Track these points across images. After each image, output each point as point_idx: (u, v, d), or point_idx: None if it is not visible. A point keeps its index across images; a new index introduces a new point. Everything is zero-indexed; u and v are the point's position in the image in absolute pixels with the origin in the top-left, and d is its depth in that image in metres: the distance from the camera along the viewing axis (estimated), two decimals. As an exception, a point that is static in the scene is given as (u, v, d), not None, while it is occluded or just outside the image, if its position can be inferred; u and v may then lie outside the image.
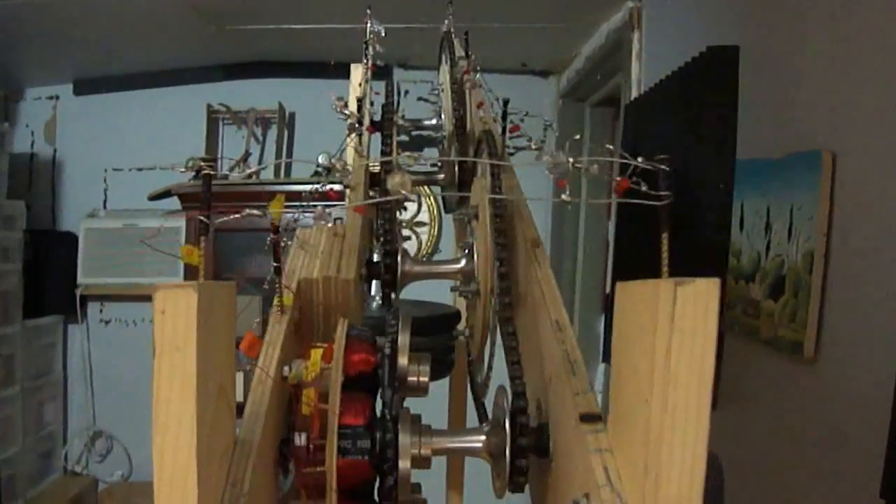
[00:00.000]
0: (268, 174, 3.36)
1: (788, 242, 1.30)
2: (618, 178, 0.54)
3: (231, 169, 3.22)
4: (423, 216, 3.22)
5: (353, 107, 1.32)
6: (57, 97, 3.41)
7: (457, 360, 1.01)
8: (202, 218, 0.46)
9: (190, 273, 2.84)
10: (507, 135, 0.85)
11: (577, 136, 0.53)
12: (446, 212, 1.06)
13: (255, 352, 0.56)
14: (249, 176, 3.23)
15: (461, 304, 0.99)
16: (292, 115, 3.44)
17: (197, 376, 0.35)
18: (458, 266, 0.80)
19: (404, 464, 0.47)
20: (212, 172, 0.49)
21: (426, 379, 0.52)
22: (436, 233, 3.20)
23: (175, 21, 2.53)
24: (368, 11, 1.11)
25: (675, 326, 0.39)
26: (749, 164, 1.50)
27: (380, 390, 0.50)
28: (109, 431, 3.41)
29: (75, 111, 3.41)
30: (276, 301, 0.55)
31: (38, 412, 3.20)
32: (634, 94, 2.41)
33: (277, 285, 0.54)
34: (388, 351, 0.51)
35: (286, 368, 0.50)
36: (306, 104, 3.39)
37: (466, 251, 0.81)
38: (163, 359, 0.35)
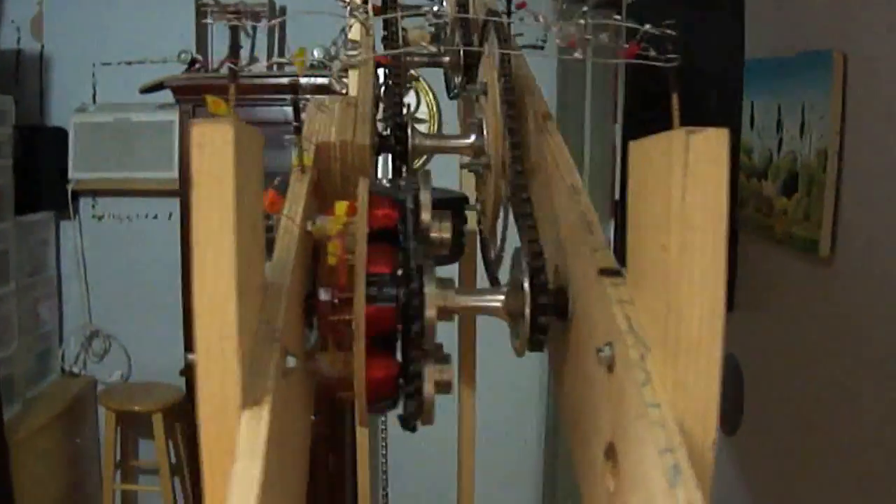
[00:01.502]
0: (260, 68, 3.30)
1: (801, 140, 1.30)
2: (625, 45, 0.54)
3: (220, 65, 3.15)
4: (422, 113, 3.18)
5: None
6: (43, -8, 3.30)
7: (466, 243, 1.02)
8: (231, 65, 0.46)
9: (185, 165, 2.82)
10: (514, 8, 0.84)
11: (585, 8, 0.52)
12: (450, 96, 1.05)
13: (277, 208, 0.57)
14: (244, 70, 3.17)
15: (468, 185, 0.99)
16: (283, 9, 3.35)
17: (235, 207, 0.36)
18: (469, 141, 0.80)
19: (430, 312, 0.48)
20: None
21: (448, 235, 0.53)
22: (434, 129, 3.17)
23: None
24: None
25: (689, 171, 0.40)
26: (759, 63, 1.48)
27: (403, 242, 0.51)
28: (107, 331, 3.45)
29: (61, 5, 3.30)
30: (295, 159, 0.56)
31: (33, 311, 3.22)
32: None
33: (297, 144, 0.54)
34: (410, 206, 0.51)
35: (310, 222, 0.51)
36: (297, -2, 3.30)
37: (475, 127, 0.81)
38: (201, 189, 0.36)
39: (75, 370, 3.42)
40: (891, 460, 1.05)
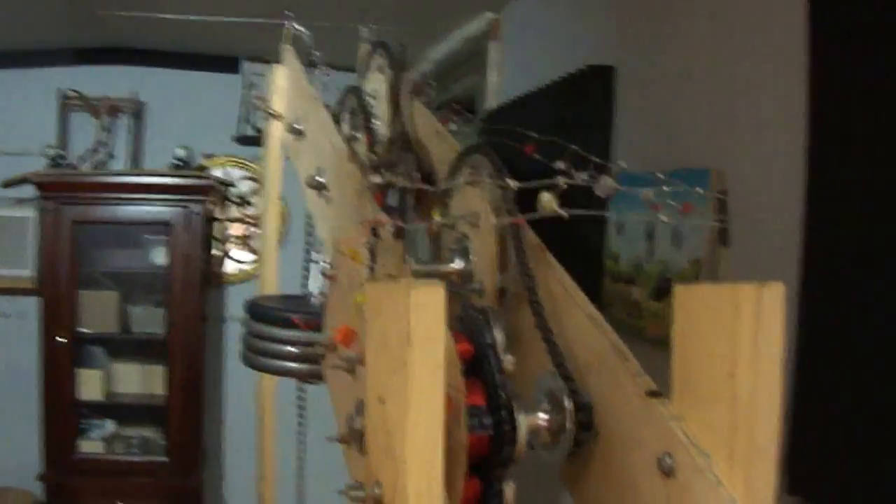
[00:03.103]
0: (118, 165, 3.22)
1: (673, 249, 1.50)
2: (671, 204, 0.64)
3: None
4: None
5: (277, 106, 1.36)
6: None
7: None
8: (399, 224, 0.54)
9: (46, 264, 2.67)
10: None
11: (623, 164, 0.65)
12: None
13: (349, 343, 0.63)
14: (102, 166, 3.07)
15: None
16: (143, 105, 3.31)
17: (444, 365, 0.44)
18: (457, 267, 0.89)
19: (522, 438, 0.56)
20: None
21: (512, 366, 0.62)
22: (286, 229, 3.21)
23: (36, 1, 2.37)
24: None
25: (761, 317, 0.52)
26: (631, 177, 1.69)
27: (489, 375, 0.59)
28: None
29: None
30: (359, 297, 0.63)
31: None
32: (492, 103, 2.57)
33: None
34: (489, 340, 0.60)
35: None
36: (159, 95, 3.28)
37: (454, 254, 0.90)
38: (416, 349, 0.43)
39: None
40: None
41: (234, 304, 3.33)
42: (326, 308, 0.84)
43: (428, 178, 1.10)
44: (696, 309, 0.57)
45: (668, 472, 0.57)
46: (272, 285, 1.40)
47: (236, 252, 3.31)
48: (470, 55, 2.73)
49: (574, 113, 1.97)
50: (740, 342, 0.53)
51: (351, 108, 1.20)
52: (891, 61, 1.03)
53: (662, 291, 1.57)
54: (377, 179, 0.85)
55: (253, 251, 3.29)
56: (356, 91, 1.15)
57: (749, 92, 1.33)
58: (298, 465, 1.44)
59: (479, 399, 0.57)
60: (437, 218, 1.11)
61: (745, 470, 0.53)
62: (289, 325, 1.12)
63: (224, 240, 3.29)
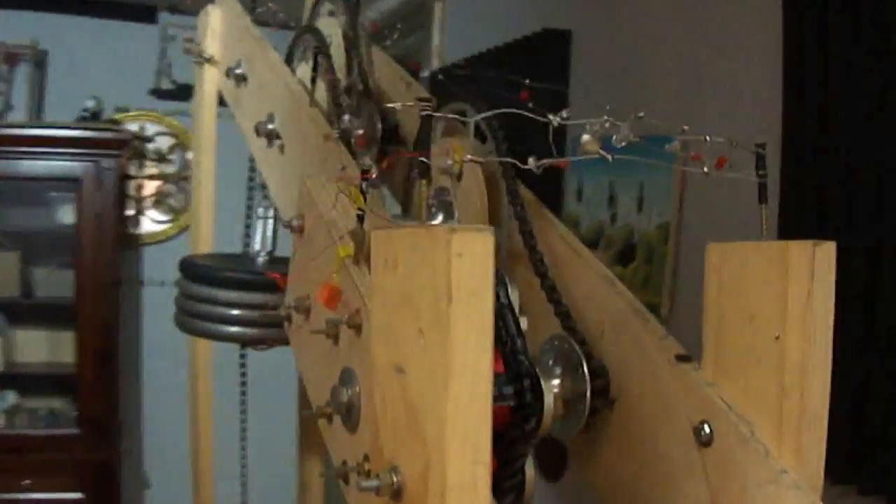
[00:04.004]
0: (19, 116, 2.97)
1: (638, 214, 1.47)
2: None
3: None
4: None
5: (212, 51, 1.25)
6: None
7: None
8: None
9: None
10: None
11: (641, 114, 0.59)
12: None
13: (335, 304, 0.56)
14: None
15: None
16: (45, 54, 3.06)
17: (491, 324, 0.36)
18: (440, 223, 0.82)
19: (548, 411, 0.50)
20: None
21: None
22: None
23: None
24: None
25: (816, 276, 0.48)
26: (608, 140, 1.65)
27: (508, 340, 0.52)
28: None
29: None
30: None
31: None
32: (435, 63, 2.49)
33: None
34: (504, 301, 0.53)
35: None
36: (65, 43, 3.04)
37: (435, 209, 0.83)
38: (460, 305, 0.36)
39: None
40: None
41: (151, 266, 3.15)
42: (292, 265, 0.75)
43: (394, 129, 1.02)
44: (735, 269, 0.52)
45: (705, 442, 0.52)
46: (207, 244, 1.29)
47: (153, 212, 3.13)
48: (411, 14, 2.63)
49: (527, 77, 1.92)
50: (790, 303, 0.48)
51: (303, 52, 1.10)
52: (862, 25, 1.00)
53: (627, 256, 1.54)
54: (349, 126, 0.77)
55: (172, 210, 3.10)
56: (313, 31, 1.05)
57: (716, 62, 1.30)
58: (242, 437, 1.34)
59: (497, 366, 0.50)
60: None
61: (795, 439, 0.49)
62: (247, 286, 1.02)
63: (140, 198, 3.09)
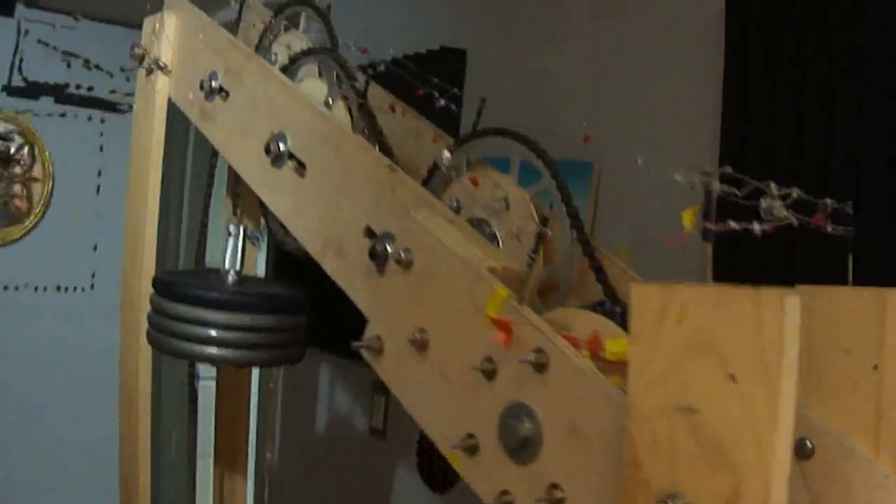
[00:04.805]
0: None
1: (551, 233, 1.60)
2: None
3: None
4: (37, 171, 2.74)
5: (167, 59, 1.19)
6: None
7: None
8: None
9: None
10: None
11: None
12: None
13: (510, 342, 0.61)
14: None
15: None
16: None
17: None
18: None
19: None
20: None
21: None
22: (50, 189, 2.75)
23: None
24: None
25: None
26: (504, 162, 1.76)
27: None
28: None
29: None
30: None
31: None
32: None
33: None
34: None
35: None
36: None
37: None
38: (785, 358, 0.44)
39: None
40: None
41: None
42: (386, 297, 0.75)
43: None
44: (829, 309, 0.65)
45: (806, 455, 0.63)
46: (151, 260, 1.21)
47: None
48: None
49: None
50: (887, 337, 0.61)
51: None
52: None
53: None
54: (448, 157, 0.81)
55: (16, 214, 2.81)
56: (333, 54, 1.05)
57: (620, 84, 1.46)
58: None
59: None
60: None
61: (893, 454, 0.61)
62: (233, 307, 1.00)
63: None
